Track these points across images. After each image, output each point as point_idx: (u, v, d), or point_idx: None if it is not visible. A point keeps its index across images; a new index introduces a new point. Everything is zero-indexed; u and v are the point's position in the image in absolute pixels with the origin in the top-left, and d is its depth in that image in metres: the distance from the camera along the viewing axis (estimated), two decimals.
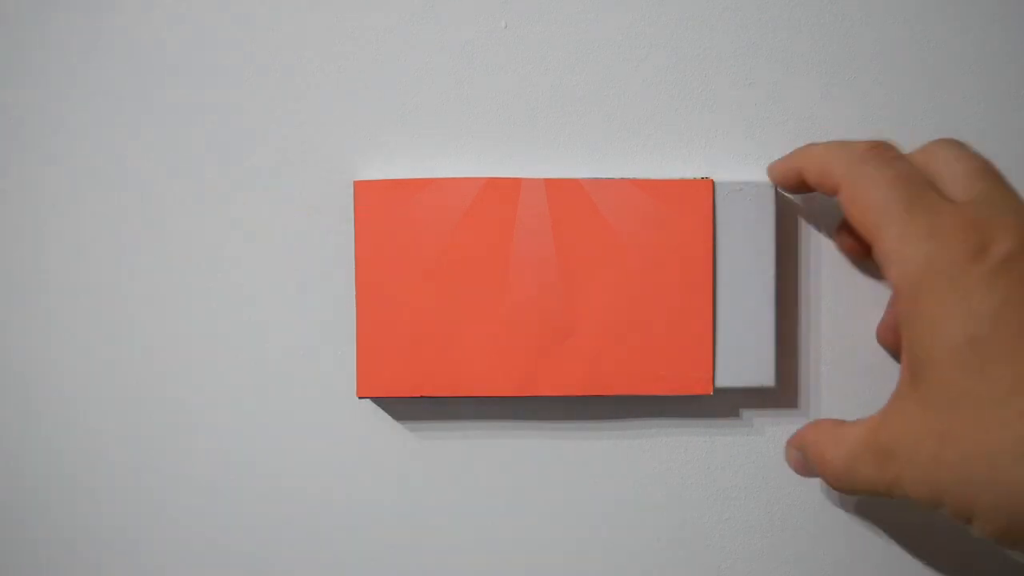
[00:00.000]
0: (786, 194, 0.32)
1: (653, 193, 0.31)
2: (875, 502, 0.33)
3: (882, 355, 0.32)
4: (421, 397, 0.31)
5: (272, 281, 0.33)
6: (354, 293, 0.32)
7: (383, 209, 0.31)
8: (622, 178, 0.31)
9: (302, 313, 0.33)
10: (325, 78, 0.32)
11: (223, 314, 0.33)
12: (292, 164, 0.32)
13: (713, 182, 0.31)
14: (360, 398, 0.32)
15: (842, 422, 0.28)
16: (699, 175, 0.32)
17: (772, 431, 0.33)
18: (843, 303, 0.33)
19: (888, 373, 0.32)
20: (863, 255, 0.31)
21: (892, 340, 0.30)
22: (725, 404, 0.33)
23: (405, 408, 0.33)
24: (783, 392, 0.33)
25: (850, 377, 0.33)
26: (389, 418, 0.33)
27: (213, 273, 0.32)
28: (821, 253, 0.32)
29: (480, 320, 0.31)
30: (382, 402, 0.33)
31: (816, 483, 0.33)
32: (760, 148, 0.32)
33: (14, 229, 0.32)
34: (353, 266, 0.32)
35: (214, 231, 0.32)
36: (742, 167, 0.32)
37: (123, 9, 0.32)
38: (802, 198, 0.32)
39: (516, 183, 0.31)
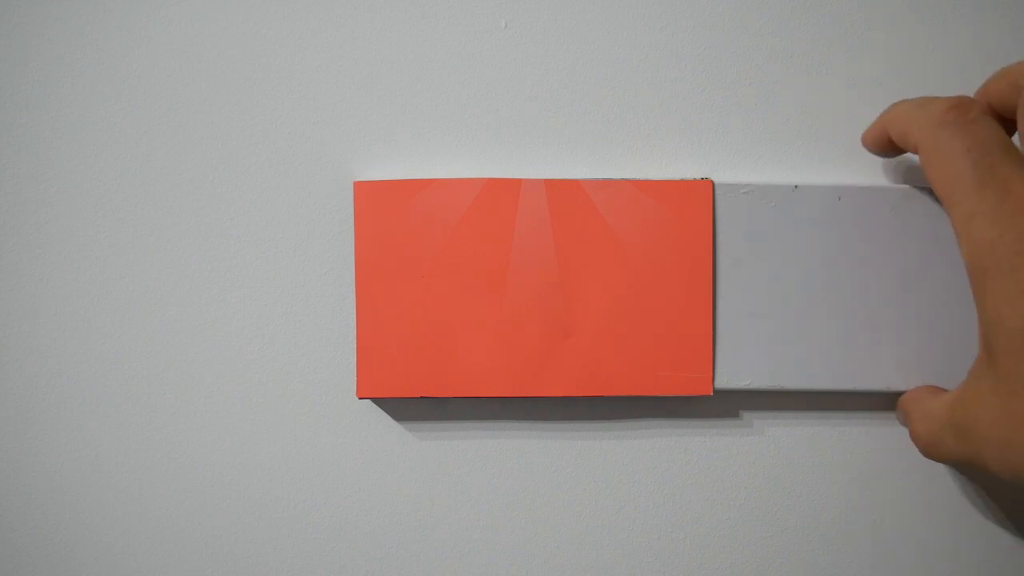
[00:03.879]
0: (880, 156, 0.31)
1: (653, 193, 0.31)
2: (873, 504, 0.33)
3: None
4: (421, 397, 0.31)
5: (272, 281, 0.33)
6: (354, 293, 0.32)
7: (383, 209, 0.31)
8: (622, 178, 0.31)
9: (302, 313, 0.33)
10: (325, 78, 0.32)
11: (223, 314, 0.33)
12: (292, 164, 0.32)
13: (713, 182, 0.31)
14: (360, 398, 0.32)
15: (935, 392, 0.29)
16: (699, 175, 0.32)
17: (772, 432, 0.33)
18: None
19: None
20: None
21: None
22: (725, 404, 0.33)
23: (405, 408, 0.33)
24: (786, 393, 0.33)
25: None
26: (389, 418, 0.33)
27: (213, 273, 0.32)
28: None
29: (480, 320, 0.31)
30: (382, 402, 0.33)
31: (815, 483, 0.33)
32: (760, 148, 0.32)
33: (13, 231, 0.32)
34: (353, 266, 0.32)
35: (214, 231, 0.32)
36: (742, 167, 0.32)
37: (124, 9, 0.32)
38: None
39: (516, 183, 0.31)
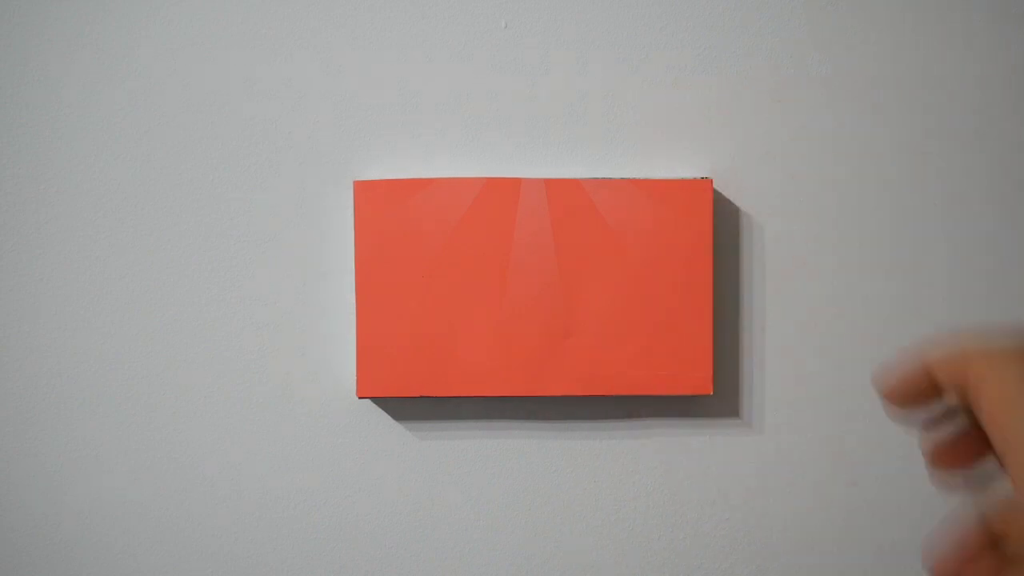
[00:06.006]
0: (900, 414, 0.24)
1: (653, 193, 0.31)
2: (871, 508, 0.33)
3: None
4: (421, 397, 0.31)
5: (272, 281, 0.33)
6: (354, 293, 0.32)
7: (383, 209, 0.31)
8: (622, 178, 0.31)
9: (302, 313, 0.33)
10: (325, 78, 0.32)
11: (223, 314, 0.33)
12: (292, 164, 0.32)
13: (713, 182, 0.31)
14: (360, 398, 0.32)
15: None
16: (699, 175, 0.32)
17: (772, 431, 0.33)
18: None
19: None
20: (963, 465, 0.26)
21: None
22: (725, 404, 0.33)
23: (405, 408, 0.33)
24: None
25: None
26: (389, 418, 0.33)
27: (213, 273, 0.32)
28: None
29: (480, 320, 0.31)
30: (382, 402, 0.33)
31: (813, 484, 0.33)
32: (760, 148, 0.32)
33: (13, 231, 0.32)
34: (353, 266, 0.32)
35: (214, 231, 0.32)
36: (742, 167, 0.32)
37: (124, 9, 0.32)
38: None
39: (516, 183, 0.31)
